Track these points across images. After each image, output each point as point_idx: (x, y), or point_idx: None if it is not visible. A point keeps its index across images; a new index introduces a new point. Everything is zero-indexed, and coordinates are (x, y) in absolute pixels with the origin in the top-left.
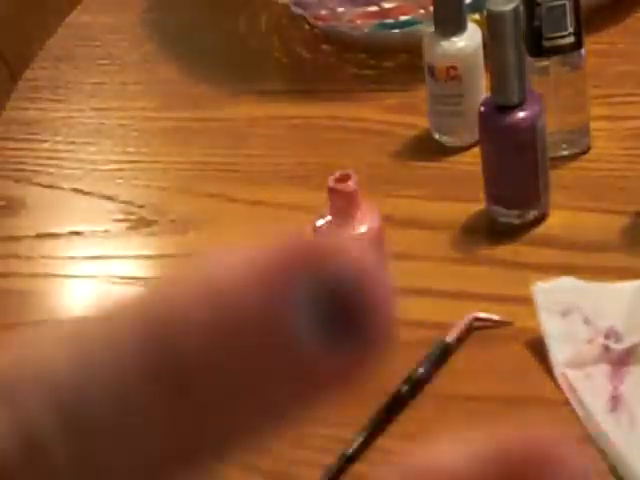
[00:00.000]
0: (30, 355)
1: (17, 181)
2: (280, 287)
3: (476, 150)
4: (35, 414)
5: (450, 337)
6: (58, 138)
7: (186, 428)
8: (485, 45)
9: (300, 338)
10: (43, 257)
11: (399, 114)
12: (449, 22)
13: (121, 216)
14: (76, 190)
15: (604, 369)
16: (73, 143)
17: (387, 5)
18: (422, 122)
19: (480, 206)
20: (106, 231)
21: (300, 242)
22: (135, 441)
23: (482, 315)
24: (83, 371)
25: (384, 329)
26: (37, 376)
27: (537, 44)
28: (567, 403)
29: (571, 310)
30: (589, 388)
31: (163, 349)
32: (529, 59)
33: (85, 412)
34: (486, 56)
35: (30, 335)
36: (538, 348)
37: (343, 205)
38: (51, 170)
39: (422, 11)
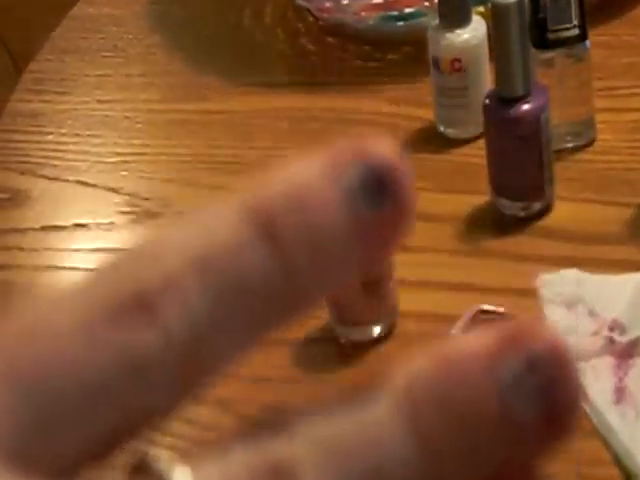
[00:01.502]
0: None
1: (22, 173)
2: (339, 174)
3: (481, 142)
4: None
5: (455, 330)
6: (63, 130)
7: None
8: (490, 37)
9: (354, 206)
10: (48, 249)
11: (404, 106)
12: (454, 14)
13: (126, 208)
14: (81, 182)
15: (608, 361)
16: (78, 135)
17: None
18: (427, 114)
19: (485, 198)
20: (111, 223)
21: (349, 144)
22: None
23: (487, 307)
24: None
25: (409, 200)
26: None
27: (542, 36)
28: None
29: (576, 302)
30: (593, 380)
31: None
32: (534, 51)
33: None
34: (491, 48)
35: None
36: None
37: None
38: (56, 162)
39: (427, 3)
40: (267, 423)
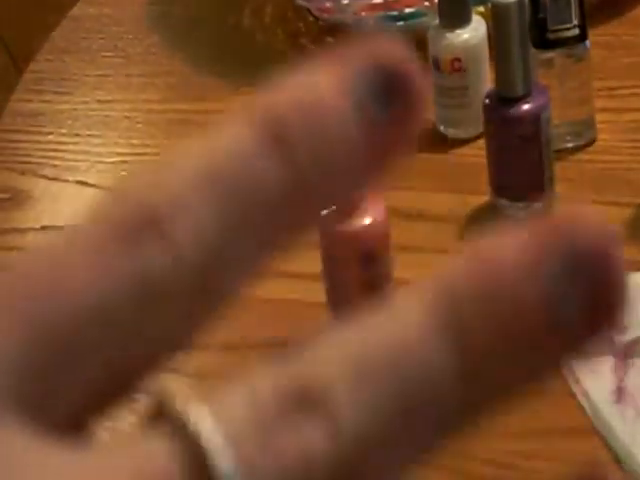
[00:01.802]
0: None
1: (22, 173)
2: (349, 82)
3: (481, 142)
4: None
5: None
6: (63, 130)
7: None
8: (490, 37)
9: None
10: None
11: None
12: (454, 14)
13: None
14: (81, 182)
15: (608, 361)
16: (78, 135)
17: None
18: (427, 114)
19: (485, 198)
20: None
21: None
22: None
23: None
24: None
25: (418, 99)
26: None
27: (542, 36)
28: (571, 394)
29: None
30: (593, 380)
31: None
32: (534, 51)
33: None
34: (491, 48)
35: None
36: None
37: None
38: (56, 162)
39: (427, 3)
40: (290, 348)
